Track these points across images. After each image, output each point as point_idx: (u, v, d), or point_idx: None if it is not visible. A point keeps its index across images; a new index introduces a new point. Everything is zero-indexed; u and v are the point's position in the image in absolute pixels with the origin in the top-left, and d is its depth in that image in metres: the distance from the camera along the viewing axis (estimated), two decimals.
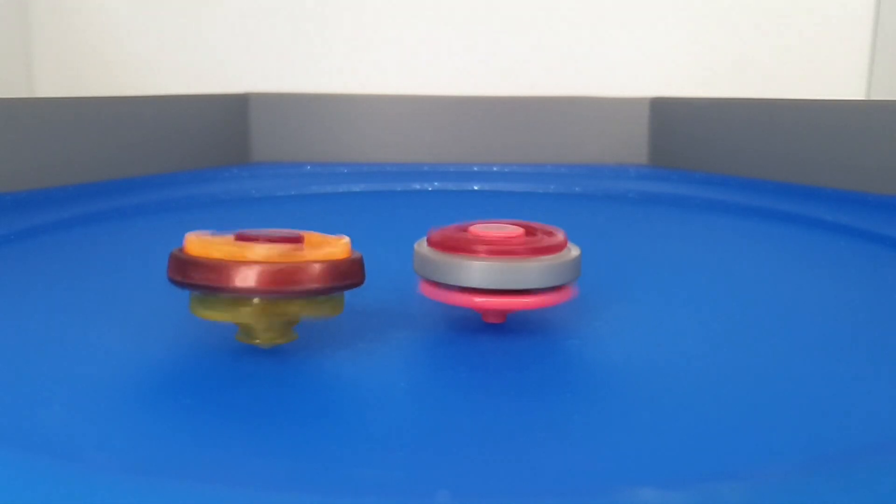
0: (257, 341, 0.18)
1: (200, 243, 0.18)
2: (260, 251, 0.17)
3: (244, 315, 0.18)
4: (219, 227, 0.20)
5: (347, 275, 0.18)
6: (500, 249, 0.20)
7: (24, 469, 0.12)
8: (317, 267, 0.18)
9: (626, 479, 0.13)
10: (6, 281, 0.27)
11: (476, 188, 0.51)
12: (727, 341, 0.21)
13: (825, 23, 0.63)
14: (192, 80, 0.63)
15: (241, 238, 0.19)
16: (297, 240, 0.19)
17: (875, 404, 0.17)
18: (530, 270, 0.20)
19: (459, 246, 0.21)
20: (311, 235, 0.20)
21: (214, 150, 0.57)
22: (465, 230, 0.22)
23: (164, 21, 0.63)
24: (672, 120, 0.59)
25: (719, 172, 0.53)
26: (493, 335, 0.21)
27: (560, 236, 0.22)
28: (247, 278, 0.17)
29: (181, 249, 0.18)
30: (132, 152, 0.49)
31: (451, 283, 0.20)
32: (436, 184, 0.51)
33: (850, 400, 0.17)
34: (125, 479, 0.12)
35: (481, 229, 0.21)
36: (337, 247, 0.19)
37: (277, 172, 0.55)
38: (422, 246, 0.22)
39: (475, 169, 0.58)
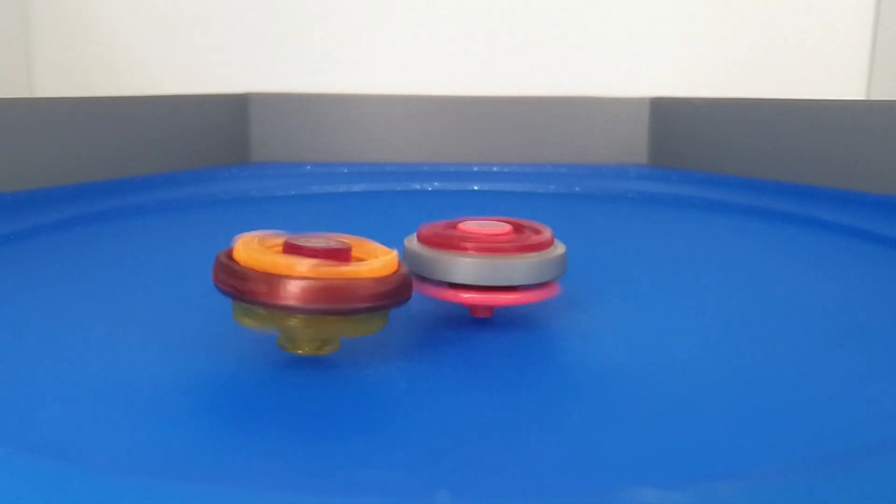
0: (299, 351, 0.18)
1: (249, 252, 0.17)
2: (308, 267, 0.17)
3: (289, 327, 0.17)
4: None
5: (396, 292, 0.18)
6: (487, 246, 0.20)
7: (24, 469, 0.12)
8: (366, 284, 0.17)
9: (626, 479, 0.13)
10: (6, 281, 0.27)
11: (476, 188, 0.51)
12: (727, 340, 0.21)
13: (825, 23, 0.63)
14: (192, 80, 0.63)
15: (289, 248, 0.18)
16: (346, 251, 0.18)
17: (875, 404, 0.17)
18: (516, 267, 0.20)
19: (448, 242, 0.21)
20: (359, 244, 0.19)
21: (214, 150, 0.57)
22: (454, 227, 0.22)
23: (164, 21, 0.63)
24: (672, 120, 0.59)
25: (719, 172, 0.53)
26: (492, 334, 0.21)
27: (547, 234, 0.22)
28: (293, 295, 0.17)
29: (229, 255, 0.18)
30: (132, 152, 0.49)
31: (439, 279, 0.20)
32: (436, 184, 0.51)
33: (850, 399, 0.17)
34: (125, 479, 0.12)
35: (470, 226, 0.21)
36: (386, 261, 0.18)
37: (277, 172, 0.55)
38: (411, 242, 0.22)
39: (475, 169, 0.58)
